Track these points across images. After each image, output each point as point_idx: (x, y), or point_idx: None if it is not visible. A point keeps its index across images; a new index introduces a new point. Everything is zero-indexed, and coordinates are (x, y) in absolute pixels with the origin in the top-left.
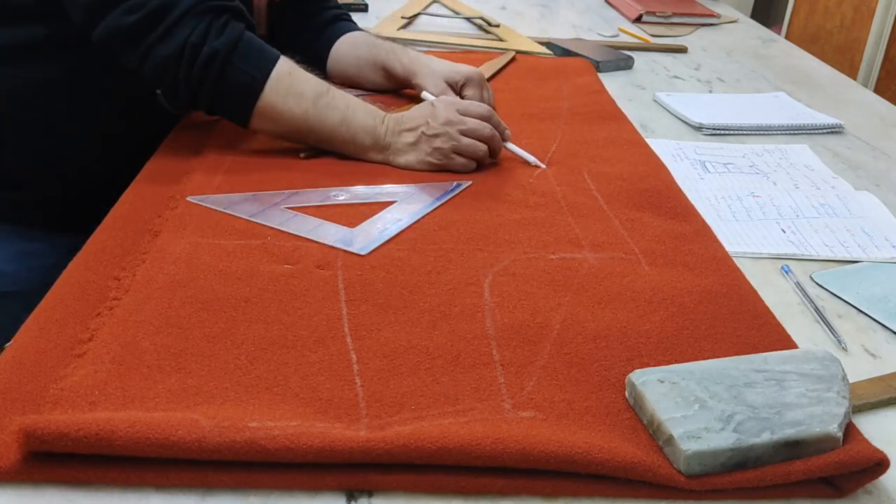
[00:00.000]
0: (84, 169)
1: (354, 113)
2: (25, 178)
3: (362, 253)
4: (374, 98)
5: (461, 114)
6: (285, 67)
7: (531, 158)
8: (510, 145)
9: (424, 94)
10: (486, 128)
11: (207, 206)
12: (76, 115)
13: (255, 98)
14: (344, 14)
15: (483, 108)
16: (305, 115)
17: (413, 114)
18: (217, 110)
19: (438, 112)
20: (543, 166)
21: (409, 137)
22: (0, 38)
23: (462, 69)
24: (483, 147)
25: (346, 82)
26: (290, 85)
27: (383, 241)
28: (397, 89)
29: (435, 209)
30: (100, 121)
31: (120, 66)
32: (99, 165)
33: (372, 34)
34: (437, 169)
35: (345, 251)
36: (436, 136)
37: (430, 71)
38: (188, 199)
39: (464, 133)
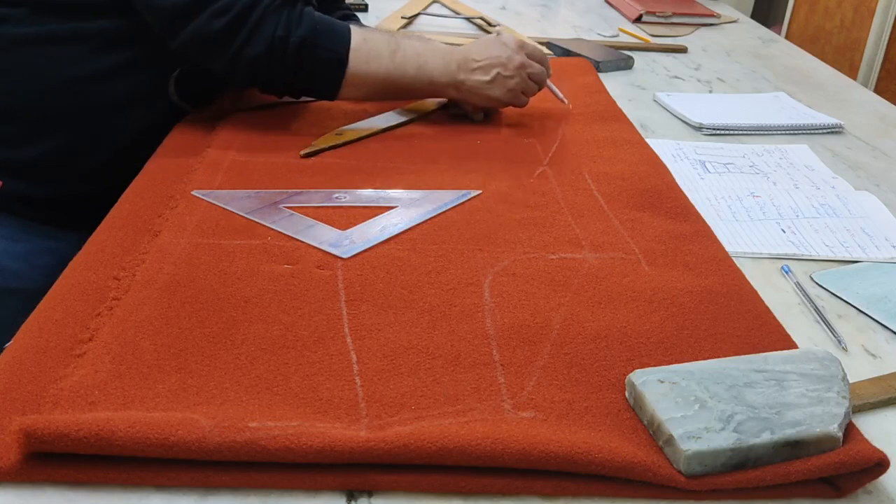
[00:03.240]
0: (97, 166)
1: (427, 59)
2: (42, 172)
3: (345, 256)
4: None
5: (528, 56)
6: (359, 35)
7: (561, 95)
8: (549, 83)
9: (498, 30)
10: (544, 73)
11: (210, 200)
12: (108, 112)
13: (343, 72)
14: (352, 14)
15: (542, 52)
16: (388, 73)
17: (482, 50)
18: (308, 91)
19: (513, 56)
20: (569, 105)
21: (484, 76)
22: (56, 30)
23: None
24: (536, 87)
25: None
26: (368, 51)
27: (369, 245)
28: None
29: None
30: (126, 118)
31: (158, 64)
32: (111, 164)
33: (382, 29)
34: (505, 105)
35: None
36: (510, 77)
37: None
38: (193, 192)
39: (530, 76)
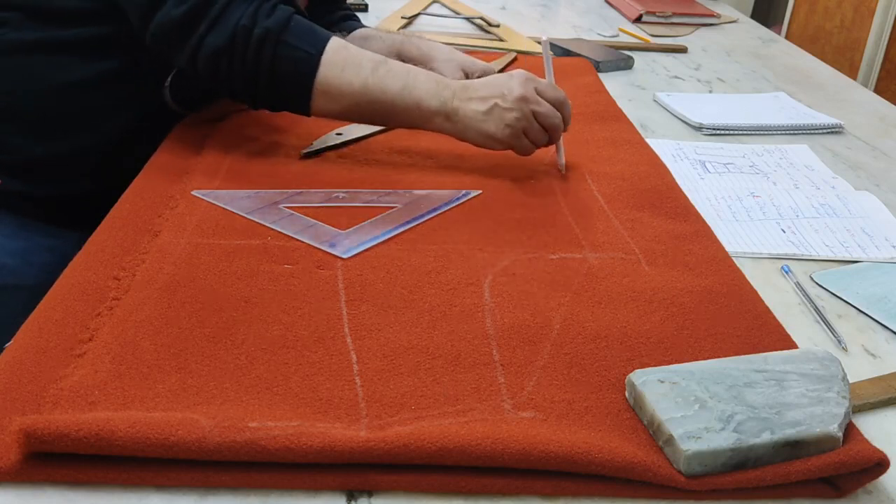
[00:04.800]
0: (95, 167)
1: (416, 78)
2: (40, 172)
3: (345, 256)
4: None
5: (537, 93)
6: (339, 42)
7: (562, 160)
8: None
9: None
10: (556, 117)
11: (210, 200)
12: (106, 114)
13: (313, 75)
14: (352, 14)
15: (559, 93)
16: (365, 85)
17: (484, 81)
18: (276, 96)
19: (514, 86)
20: (562, 170)
21: (481, 106)
22: (54, 36)
23: (479, 63)
24: (546, 137)
25: None
26: (346, 57)
27: (369, 245)
28: None
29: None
30: (123, 121)
31: (151, 69)
32: (112, 164)
33: (382, 30)
34: (505, 147)
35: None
36: (510, 110)
37: (448, 58)
38: (193, 192)
39: (535, 115)
